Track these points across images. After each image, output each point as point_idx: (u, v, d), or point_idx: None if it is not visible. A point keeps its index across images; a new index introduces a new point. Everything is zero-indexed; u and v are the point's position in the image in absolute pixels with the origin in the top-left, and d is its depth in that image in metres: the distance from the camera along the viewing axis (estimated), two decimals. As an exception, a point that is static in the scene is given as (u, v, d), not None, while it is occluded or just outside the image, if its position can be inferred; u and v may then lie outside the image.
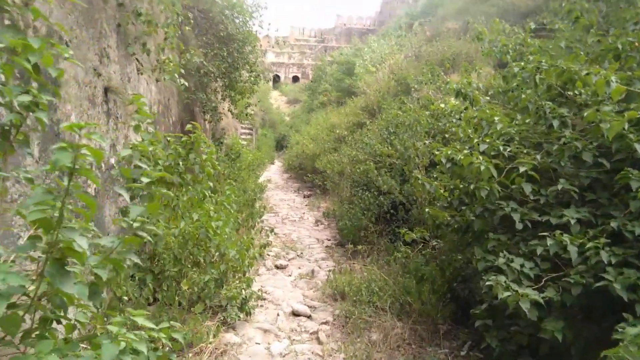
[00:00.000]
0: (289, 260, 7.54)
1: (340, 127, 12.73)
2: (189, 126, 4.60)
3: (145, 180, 2.05)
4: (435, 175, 4.68)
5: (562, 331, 2.65)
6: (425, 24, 20.23)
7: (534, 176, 3.28)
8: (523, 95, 3.67)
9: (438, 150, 3.70)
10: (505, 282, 2.77)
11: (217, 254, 4.75)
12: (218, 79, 8.75)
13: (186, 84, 5.15)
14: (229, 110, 9.61)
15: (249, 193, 8.48)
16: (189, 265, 4.55)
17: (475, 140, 3.64)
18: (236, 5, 9.09)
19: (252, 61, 9.22)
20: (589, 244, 2.69)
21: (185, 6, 7.28)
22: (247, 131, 21.90)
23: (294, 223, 10.38)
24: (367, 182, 7.81)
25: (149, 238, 2.03)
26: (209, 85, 8.83)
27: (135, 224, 2.01)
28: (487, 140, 3.56)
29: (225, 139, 11.70)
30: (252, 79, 9.35)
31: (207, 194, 4.66)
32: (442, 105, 5.99)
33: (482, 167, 3.37)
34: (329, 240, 8.90)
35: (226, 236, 4.73)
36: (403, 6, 31.70)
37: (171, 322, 2.31)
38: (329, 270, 6.45)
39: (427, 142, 5.36)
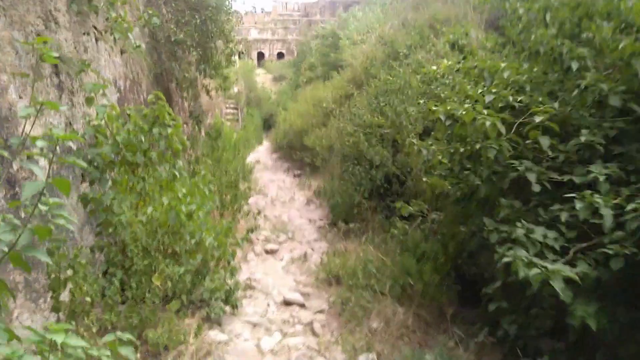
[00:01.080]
0: (279, 243, 7.08)
1: (327, 100, 12.17)
2: (150, 97, 4.02)
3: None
4: (430, 143, 4.17)
5: (596, 316, 2.17)
6: (411, -10, 19.43)
7: (552, 127, 2.75)
8: (533, 37, 3.11)
9: (435, 106, 3.16)
10: (526, 257, 2.27)
11: (193, 242, 4.23)
12: (192, 49, 8.09)
13: (143, 45, 4.53)
14: (203, 86, 8.96)
15: (231, 173, 7.92)
16: (161, 257, 4.02)
17: (480, 91, 3.09)
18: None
19: (227, 31, 8.54)
20: (629, 206, 2.18)
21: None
22: (233, 111, 21.19)
23: (284, 204, 9.90)
24: (358, 155, 7.30)
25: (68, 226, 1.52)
26: (184, 58, 8.18)
27: (45, 209, 1.49)
28: (494, 91, 3.01)
29: (207, 118, 11.07)
30: (228, 50, 8.68)
31: (177, 174, 4.12)
32: (434, 68, 5.43)
33: (488, 123, 2.85)
34: (322, 220, 8.44)
35: (201, 221, 4.20)
36: (388, -25, 30.60)
37: (119, 333, 1.83)
38: (323, 252, 5.99)
39: (421, 101, 4.83)
